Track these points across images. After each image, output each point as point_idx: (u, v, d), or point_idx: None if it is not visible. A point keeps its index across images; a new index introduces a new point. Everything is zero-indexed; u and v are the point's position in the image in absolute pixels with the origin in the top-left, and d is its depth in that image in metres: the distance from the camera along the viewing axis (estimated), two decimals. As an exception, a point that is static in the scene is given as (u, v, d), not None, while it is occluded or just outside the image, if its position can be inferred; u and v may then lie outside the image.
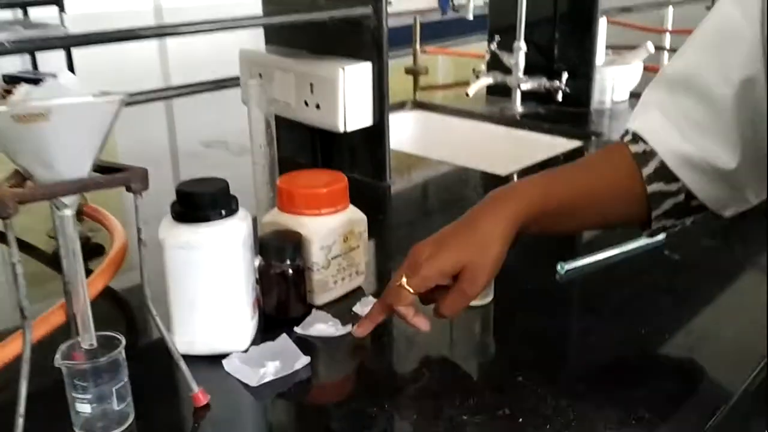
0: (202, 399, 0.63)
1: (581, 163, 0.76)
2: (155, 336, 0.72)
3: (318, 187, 0.78)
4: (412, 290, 0.67)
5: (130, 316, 0.81)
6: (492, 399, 0.63)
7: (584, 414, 0.60)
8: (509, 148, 1.50)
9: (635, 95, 1.68)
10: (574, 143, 1.42)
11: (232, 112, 1.61)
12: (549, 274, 0.85)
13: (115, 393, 0.59)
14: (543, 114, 1.56)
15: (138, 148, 1.35)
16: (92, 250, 0.95)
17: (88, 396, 0.58)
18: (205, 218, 0.66)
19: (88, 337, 0.58)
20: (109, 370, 0.58)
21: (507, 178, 1.19)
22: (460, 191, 1.22)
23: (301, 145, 1.25)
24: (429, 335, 0.70)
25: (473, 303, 0.72)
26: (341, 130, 1.11)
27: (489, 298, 0.78)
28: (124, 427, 0.60)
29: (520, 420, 0.60)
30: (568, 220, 0.71)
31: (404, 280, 0.67)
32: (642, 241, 0.91)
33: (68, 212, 0.55)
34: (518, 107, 1.61)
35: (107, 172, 0.56)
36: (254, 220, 0.78)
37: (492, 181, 1.20)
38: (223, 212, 0.67)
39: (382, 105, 1.13)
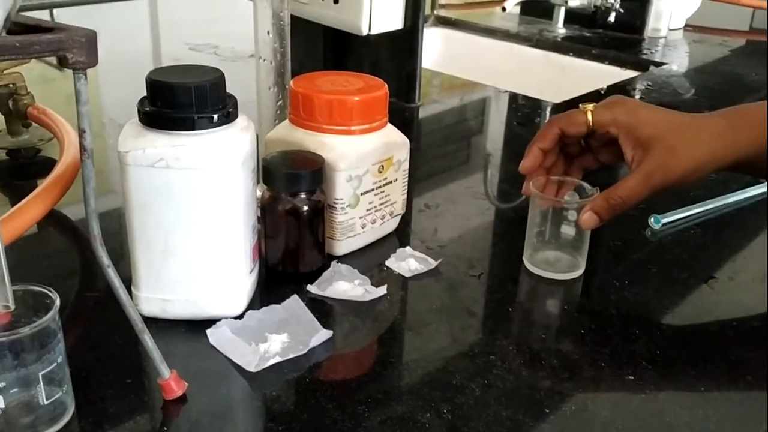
0: (175, 388, 0.43)
1: None
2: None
3: (348, 94, 0.56)
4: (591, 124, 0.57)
5: (84, 259, 0.60)
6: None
7: None
8: (551, 76, 1.28)
9: (690, 25, 1.47)
10: (630, 73, 1.21)
11: (222, 12, 1.40)
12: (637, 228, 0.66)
13: (43, 379, 0.39)
14: (589, 38, 1.34)
15: (116, 48, 1.11)
16: (42, 166, 0.74)
17: (0, 384, 0.38)
18: (188, 124, 0.45)
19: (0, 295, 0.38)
20: (33, 345, 0.39)
21: (559, 107, 0.98)
22: (502, 117, 1.01)
23: (309, 54, 1.03)
24: (497, 305, 0.50)
25: (558, 276, 0.54)
26: (364, 32, 0.89)
27: (579, 271, 0.58)
28: (59, 426, 0.41)
29: None
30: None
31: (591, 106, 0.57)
32: (751, 191, 0.72)
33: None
34: (560, 29, 1.39)
35: (34, 33, 0.34)
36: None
37: (538, 106, 0.99)
38: (216, 117, 0.46)
39: (416, 5, 0.90)
